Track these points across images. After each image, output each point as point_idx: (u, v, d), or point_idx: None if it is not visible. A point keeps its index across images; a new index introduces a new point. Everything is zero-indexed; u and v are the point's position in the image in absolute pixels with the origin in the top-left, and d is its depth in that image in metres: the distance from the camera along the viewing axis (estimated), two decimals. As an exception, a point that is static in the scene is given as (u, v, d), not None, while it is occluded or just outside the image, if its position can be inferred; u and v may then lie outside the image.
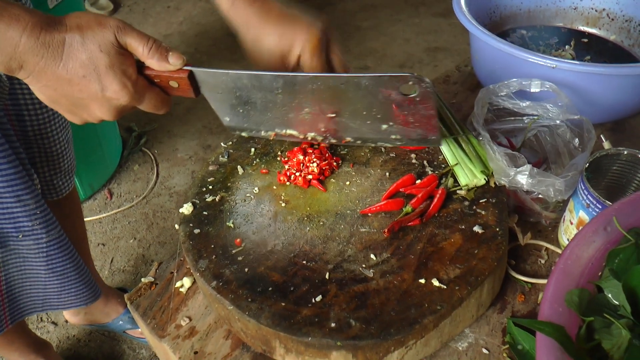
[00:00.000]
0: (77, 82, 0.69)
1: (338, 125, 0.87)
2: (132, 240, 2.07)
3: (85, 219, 1.59)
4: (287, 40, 0.81)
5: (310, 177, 0.88)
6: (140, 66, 0.74)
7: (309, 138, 0.90)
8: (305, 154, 0.91)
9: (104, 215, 2.15)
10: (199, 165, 2.33)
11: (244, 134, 0.92)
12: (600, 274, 0.64)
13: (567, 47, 1.25)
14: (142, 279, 0.88)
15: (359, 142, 0.89)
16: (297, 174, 0.88)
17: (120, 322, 1.71)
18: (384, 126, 0.85)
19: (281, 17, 0.81)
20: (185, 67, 0.75)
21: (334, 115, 0.84)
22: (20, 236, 1.03)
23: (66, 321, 1.80)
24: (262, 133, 0.91)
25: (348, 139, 0.89)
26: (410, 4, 3.43)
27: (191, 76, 0.77)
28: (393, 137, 0.87)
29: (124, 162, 2.35)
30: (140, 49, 0.71)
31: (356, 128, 0.86)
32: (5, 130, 0.96)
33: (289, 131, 0.89)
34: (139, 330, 1.71)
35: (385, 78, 0.76)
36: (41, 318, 1.84)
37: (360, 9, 3.41)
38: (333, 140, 0.90)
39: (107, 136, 2.19)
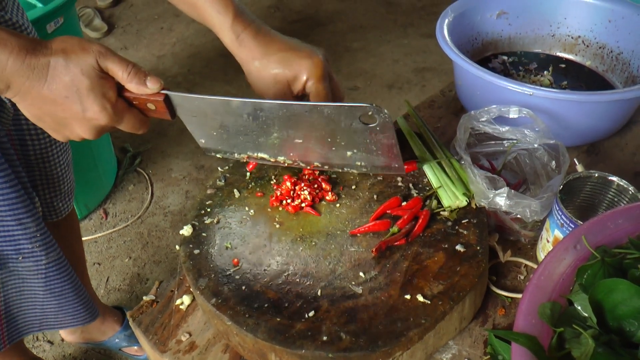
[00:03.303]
0: (60, 102, 0.73)
1: (306, 151, 0.91)
2: (128, 259, 2.10)
3: (81, 239, 1.62)
4: (293, 69, 0.85)
5: (303, 204, 0.92)
6: (120, 88, 0.78)
7: (280, 161, 0.94)
8: (295, 182, 0.95)
9: (100, 234, 2.19)
10: (192, 185, 2.38)
11: (218, 155, 0.96)
12: (571, 288, 0.69)
13: (545, 72, 1.32)
14: (144, 297, 0.92)
15: (326, 167, 0.94)
16: (289, 200, 0.93)
17: (117, 340, 1.74)
18: (349, 153, 0.89)
19: (285, 48, 0.86)
20: (162, 91, 0.80)
21: (300, 141, 0.88)
22: (20, 258, 1.04)
23: (62, 340, 1.83)
24: (236, 155, 0.95)
25: (316, 163, 0.93)
26: (399, 25, 3.50)
27: (167, 100, 0.81)
28: (358, 163, 0.91)
29: (119, 182, 2.39)
30: (120, 73, 0.76)
31: (323, 154, 0.90)
32: (9, 155, 0.98)
33: (260, 154, 0.93)
34: (135, 347, 1.74)
35: (346, 108, 0.80)
36: (37, 337, 1.86)
37: (349, 30, 3.47)
38: (302, 164, 0.94)
39: (103, 156, 2.23)
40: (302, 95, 0.89)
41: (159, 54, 3.27)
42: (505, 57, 1.37)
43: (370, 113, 0.80)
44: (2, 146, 0.97)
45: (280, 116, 0.84)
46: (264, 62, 0.87)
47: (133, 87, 0.78)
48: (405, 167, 0.96)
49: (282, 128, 0.86)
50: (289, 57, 0.86)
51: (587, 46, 1.33)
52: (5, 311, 1.14)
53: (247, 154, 0.94)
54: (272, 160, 0.94)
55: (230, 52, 0.89)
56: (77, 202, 2.13)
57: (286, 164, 0.95)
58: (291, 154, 0.92)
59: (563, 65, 1.35)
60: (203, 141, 0.92)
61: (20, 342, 1.46)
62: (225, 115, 0.86)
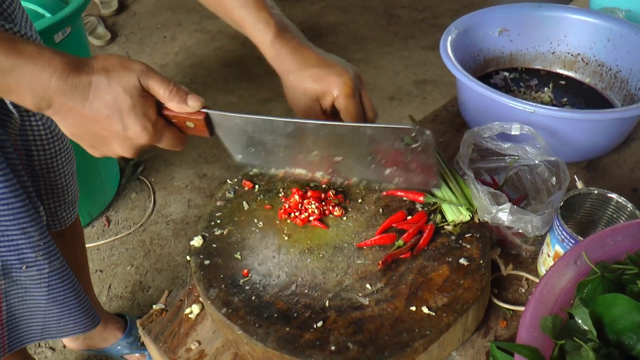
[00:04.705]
0: (101, 120, 0.74)
1: (344, 168, 0.92)
2: (130, 267, 2.12)
3: (83, 246, 1.64)
4: (323, 85, 0.88)
5: (311, 218, 0.94)
6: (159, 106, 0.79)
7: (318, 176, 0.95)
8: (303, 196, 0.97)
9: (102, 242, 2.20)
10: (195, 194, 2.40)
11: (255, 170, 0.97)
12: (571, 302, 0.72)
13: (546, 89, 1.35)
14: (154, 306, 0.94)
15: (364, 182, 0.95)
16: (297, 213, 0.95)
17: (118, 347, 1.75)
18: (388, 170, 0.90)
19: (318, 64, 0.89)
20: (202, 110, 0.80)
21: (340, 159, 0.90)
22: (23, 267, 1.05)
23: (64, 346, 1.84)
24: (273, 170, 0.96)
25: (354, 179, 0.94)
26: (400, 37, 3.54)
27: (207, 118, 0.82)
28: (396, 180, 0.92)
29: (122, 190, 2.41)
30: (161, 92, 0.77)
31: (362, 171, 0.91)
32: (14, 165, 0.99)
33: (298, 170, 0.94)
34: (137, 355, 1.76)
35: (389, 130, 0.81)
36: (39, 344, 1.87)
37: (351, 41, 3.51)
38: (340, 180, 0.95)
39: (106, 165, 2.25)
40: (333, 112, 0.92)
41: (162, 63, 3.29)
42: (506, 74, 1.40)
43: (413, 134, 0.81)
44: (8, 156, 0.98)
45: (322, 136, 0.85)
46: (298, 77, 0.90)
47: (174, 105, 0.78)
48: (415, 195, 0.98)
49: (323, 147, 0.88)
50: (320, 74, 0.89)
51: (587, 64, 1.36)
52: (7, 320, 1.15)
53: (285, 170, 0.94)
54: (309, 175, 0.94)
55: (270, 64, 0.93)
56: (80, 209, 2.14)
57: (323, 180, 0.96)
58: (330, 170, 0.93)
59: (563, 82, 1.37)
60: (240, 157, 0.93)
61: (23, 349, 1.47)
62: (265, 134, 0.87)
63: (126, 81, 0.74)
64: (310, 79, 0.89)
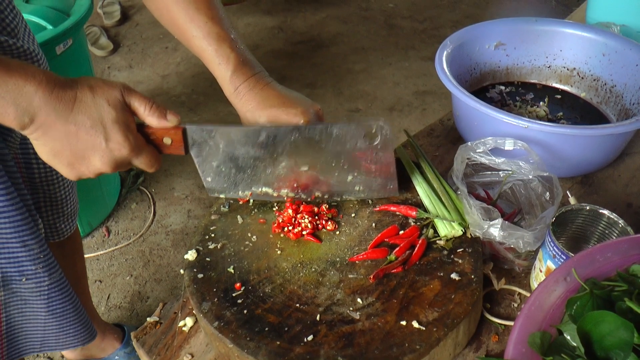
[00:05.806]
0: (83, 133, 0.76)
1: (309, 180, 0.96)
2: (129, 277, 2.13)
3: (82, 256, 1.64)
4: (282, 122, 0.90)
5: (304, 232, 0.95)
6: (137, 126, 0.83)
7: (283, 195, 0.99)
8: (296, 210, 0.98)
9: (102, 252, 2.21)
10: (195, 205, 2.41)
11: (222, 195, 1.01)
12: (561, 318, 0.72)
13: (541, 103, 1.35)
14: (148, 319, 0.95)
15: (326, 196, 0.99)
16: (290, 227, 0.96)
17: (116, 357, 1.75)
18: (350, 177, 0.96)
19: (277, 103, 0.91)
20: (180, 125, 0.86)
21: (307, 168, 0.94)
22: (23, 279, 1.05)
23: (62, 356, 1.85)
24: (240, 193, 1.00)
25: (317, 194, 0.99)
26: (400, 48, 3.56)
27: (184, 133, 0.87)
28: (357, 188, 0.98)
29: (122, 201, 2.42)
30: (142, 108, 0.81)
31: (325, 181, 0.96)
32: (15, 178, 1.00)
33: (264, 189, 0.98)
34: (135, 365, 1.76)
35: (353, 125, 0.89)
36: (37, 354, 1.88)
37: (352, 52, 3.53)
38: (304, 196, 0.99)
39: (107, 175, 2.25)
40: None
41: (164, 73, 3.31)
42: (502, 87, 1.41)
43: (374, 130, 0.89)
44: (9, 169, 0.99)
45: (292, 141, 0.89)
46: (256, 115, 0.92)
47: (154, 120, 0.83)
48: (407, 210, 0.98)
49: (291, 155, 0.92)
50: (279, 114, 0.91)
51: (582, 78, 1.36)
52: (7, 331, 1.15)
53: (251, 191, 0.99)
54: (275, 195, 0.99)
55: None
56: (81, 219, 2.16)
57: (288, 198, 0.99)
58: (295, 185, 0.97)
59: (559, 96, 1.38)
60: (209, 179, 0.97)
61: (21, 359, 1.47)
62: (237, 146, 0.91)
63: (110, 95, 0.78)
64: (268, 118, 0.91)
